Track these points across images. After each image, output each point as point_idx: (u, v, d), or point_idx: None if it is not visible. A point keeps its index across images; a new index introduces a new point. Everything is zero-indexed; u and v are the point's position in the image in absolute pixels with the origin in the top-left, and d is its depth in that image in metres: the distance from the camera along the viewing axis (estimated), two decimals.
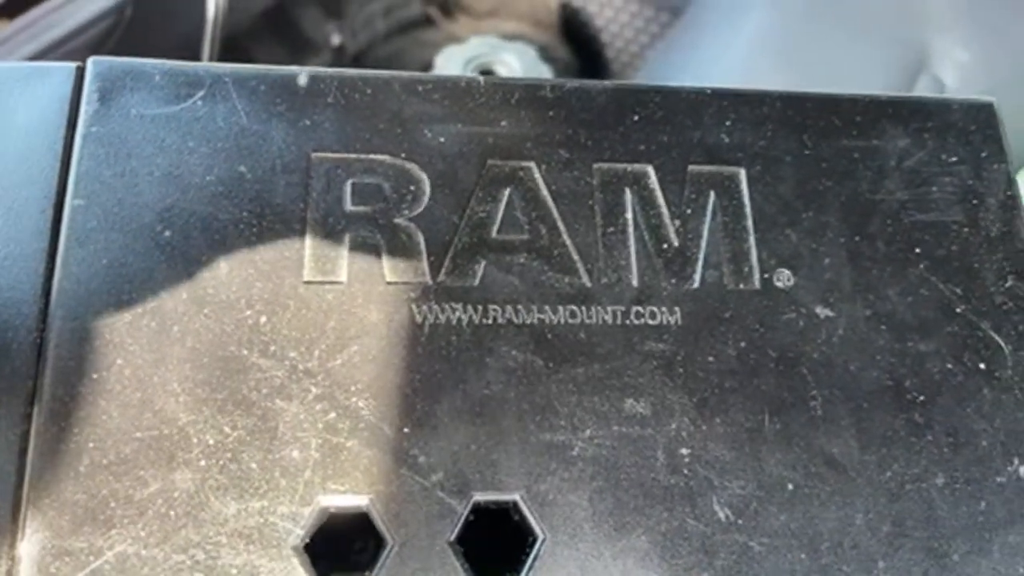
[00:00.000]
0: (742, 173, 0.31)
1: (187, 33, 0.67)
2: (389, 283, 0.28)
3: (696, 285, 0.30)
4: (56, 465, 0.25)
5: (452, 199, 0.30)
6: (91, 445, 0.25)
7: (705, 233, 0.30)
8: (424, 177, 0.30)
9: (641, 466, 0.27)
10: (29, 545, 0.24)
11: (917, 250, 0.31)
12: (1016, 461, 0.29)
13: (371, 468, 0.26)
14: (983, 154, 0.33)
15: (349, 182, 0.29)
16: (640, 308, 0.29)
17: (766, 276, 0.30)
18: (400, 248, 0.29)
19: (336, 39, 0.87)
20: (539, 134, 0.31)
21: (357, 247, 0.29)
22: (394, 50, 0.93)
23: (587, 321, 0.29)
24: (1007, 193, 0.32)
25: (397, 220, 0.29)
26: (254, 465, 0.26)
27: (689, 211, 0.31)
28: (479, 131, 0.31)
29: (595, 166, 0.31)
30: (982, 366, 0.30)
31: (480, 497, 0.26)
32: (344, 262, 0.28)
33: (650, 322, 0.29)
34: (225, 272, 0.28)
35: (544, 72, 0.88)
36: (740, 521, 0.27)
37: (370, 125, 0.30)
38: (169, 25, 0.67)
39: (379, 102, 0.31)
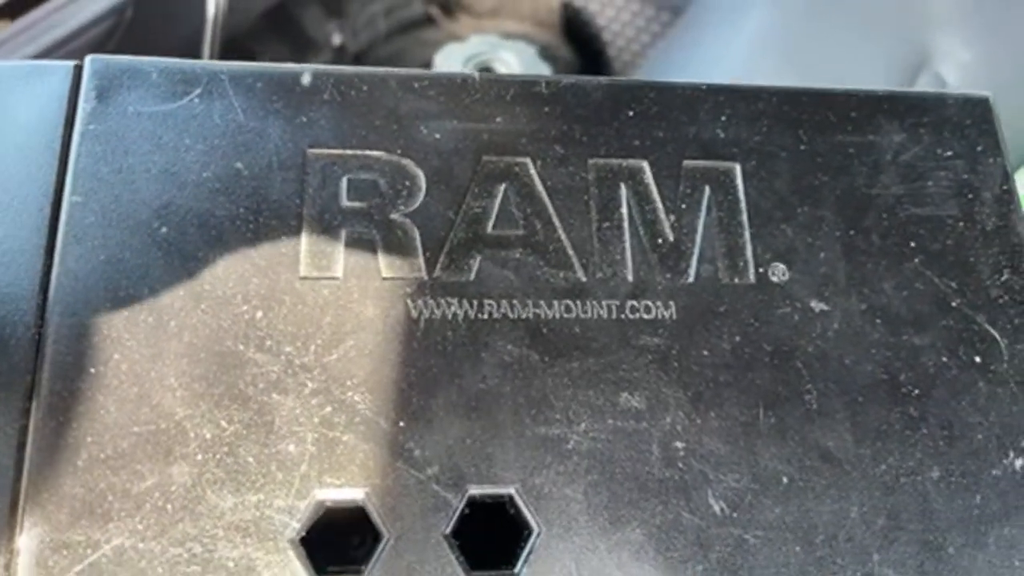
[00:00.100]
0: (737, 168, 0.31)
1: (187, 34, 0.67)
2: (385, 278, 0.29)
3: (691, 280, 0.30)
4: (54, 459, 0.25)
5: (448, 195, 0.30)
6: (89, 439, 0.26)
7: (700, 228, 0.31)
8: (420, 173, 0.30)
9: (636, 459, 0.27)
10: (27, 538, 0.25)
11: (912, 244, 0.31)
12: (1011, 454, 0.29)
13: (367, 462, 0.26)
14: (979, 148, 0.33)
15: (345, 178, 0.30)
16: (635, 302, 0.29)
17: (761, 271, 0.30)
18: (396, 244, 0.29)
19: (337, 39, 0.87)
20: (534, 130, 0.31)
21: (353, 243, 0.29)
22: (395, 50, 0.93)
23: (582, 315, 0.29)
24: (1003, 187, 0.32)
25: (393, 216, 0.29)
26: (251, 459, 0.26)
27: (684, 206, 0.31)
28: (474, 127, 0.31)
29: (590, 161, 0.31)
30: (977, 360, 0.30)
31: (475, 490, 0.26)
32: (340, 258, 0.29)
33: (645, 316, 0.29)
34: (222, 268, 0.28)
35: (543, 70, 0.88)
36: (735, 514, 0.27)
37: (366, 122, 0.30)
38: (169, 26, 0.67)
39: (375, 99, 0.31)
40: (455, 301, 0.29)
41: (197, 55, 0.68)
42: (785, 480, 0.28)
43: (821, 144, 0.32)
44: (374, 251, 0.29)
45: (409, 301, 0.28)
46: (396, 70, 0.31)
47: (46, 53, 0.56)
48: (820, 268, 0.30)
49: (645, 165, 0.31)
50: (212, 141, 0.29)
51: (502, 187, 0.30)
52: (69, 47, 0.57)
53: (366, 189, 0.30)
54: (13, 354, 0.26)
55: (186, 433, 0.26)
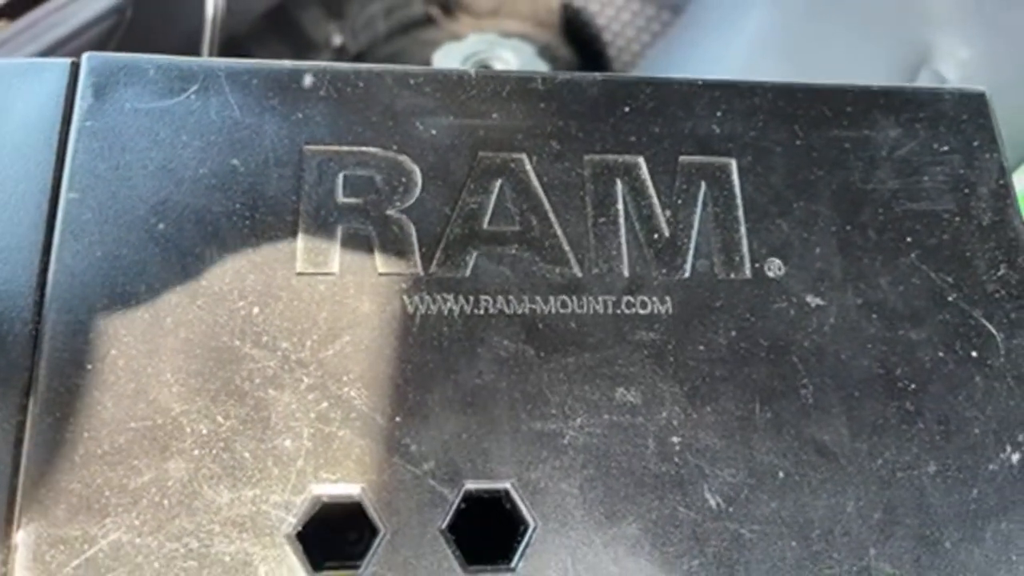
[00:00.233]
0: (733, 163, 0.31)
1: (187, 35, 0.67)
2: (381, 274, 0.29)
3: (687, 275, 0.30)
4: (51, 455, 0.25)
5: (444, 191, 0.30)
6: (86, 435, 0.26)
7: (696, 223, 0.31)
8: (416, 169, 0.30)
9: (632, 454, 0.27)
10: (25, 534, 0.25)
11: (908, 239, 0.31)
12: (1008, 449, 0.29)
13: (363, 457, 0.26)
14: (975, 143, 0.33)
15: (341, 174, 0.30)
16: (631, 298, 0.29)
17: (757, 266, 0.30)
18: (392, 239, 0.29)
19: (337, 39, 0.87)
20: (530, 126, 0.31)
21: (349, 239, 0.29)
22: (395, 50, 0.93)
23: (578, 311, 0.29)
24: (999, 182, 0.32)
25: (389, 212, 0.29)
26: (247, 454, 0.26)
27: (680, 201, 0.31)
28: (470, 123, 0.31)
29: (586, 157, 0.31)
30: (974, 354, 0.30)
31: (472, 485, 0.27)
32: (336, 254, 0.29)
33: (641, 312, 0.29)
34: (218, 264, 0.28)
35: (541, 68, 0.89)
36: (731, 509, 0.27)
37: (362, 118, 0.30)
38: (169, 27, 0.67)
39: (371, 95, 0.31)
40: (451, 297, 0.29)
41: (196, 55, 0.68)
42: (781, 474, 0.28)
43: (817, 139, 0.32)
44: (370, 247, 0.29)
45: (405, 297, 0.28)
46: (392, 66, 0.31)
47: (46, 53, 0.57)
48: (816, 263, 0.30)
49: (641, 161, 0.31)
50: (209, 137, 0.29)
51: (498, 183, 0.30)
52: (69, 47, 0.57)
53: (362, 185, 0.30)
54: (10, 350, 0.26)
55: (182, 429, 0.26)
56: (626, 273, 0.30)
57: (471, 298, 0.29)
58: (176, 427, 0.26)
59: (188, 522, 0.25)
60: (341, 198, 0.29)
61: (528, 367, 0.28)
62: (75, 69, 0.30)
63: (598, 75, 0.32)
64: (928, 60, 0.72)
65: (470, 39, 0.89)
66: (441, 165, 0.30)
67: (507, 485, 0.27)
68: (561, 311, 0.29)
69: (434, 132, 0.31)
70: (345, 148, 0.30)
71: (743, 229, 0.31)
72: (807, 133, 0.32)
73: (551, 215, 0.30)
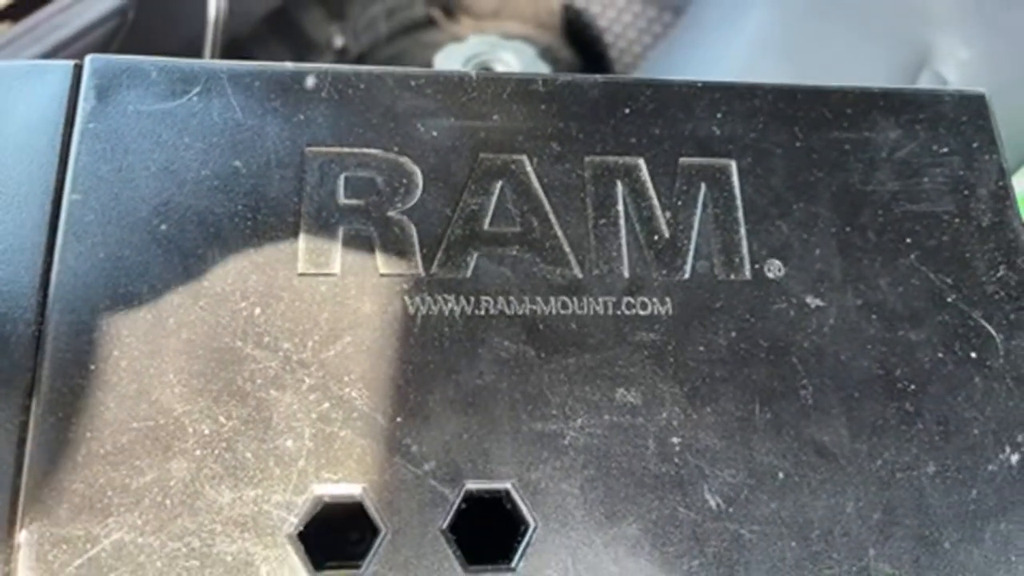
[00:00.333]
0: (733, 165, 0.32)
1: (189, 37, 0.67)
2: (382, 275, 0.29)
3: (687, 276, 0.30)
4: (54, 455, 0.26)
5: (445, 192, 0.30)
6: (88, 435, 0.26)
7: (696, 224, 0.31)
8: (417, 171, 0.30)
9: (632, 455, 0.27)
10: (28, 533, 0.25)
11: (908, 240, 0.31)
12: (1007, 449, 0.29)
13: (364, 457, 0.27)
14: (975, 145, 0.33)
15: (342, 176, 0.30)
16: (631, 299, 0.29)
17: (757, 267, 0.30)
18: (393, 241, 0.29)
19: (339, 41, 0.87)
20: (531, 128, 0.31)
21: (350, 240, 0.29)
22: (397, 51, 0.93)
23: (579, 312, 0.29)
24: (998, 183, 0.32)
25: (390, 213, 0.30)
26: (249, 454, 0.26)
27: (680, 203, 0.31)
28: (471, 125, 0.31)
29: (586, 159, 0.31)
30: (973, 355, 0.30)
31: (472, 485, 0.27)
32: (337, 255, 0.29)
33: (641, 313, 0.29)
34: (220, 265, 0.28)
35: (543, 70, 0.89)
36: (731, 509, 0.27)
37: (363, 120, 0.31)
38: (171, 29, 0.67)
39: (372, 97, 0.31)
40: (452, 298, 0.29)
41: (198, 57, 0.68)
42: (781, 475, 0.28)
43: (817, 141, 0.32)
44: (371, 248, 0.29)
45: (406, 298, 0.29)
46: (393, 68, 0.32)
47: (49, 55, 0.57)
48: (816, 264, 0.30)
49: (641, 162, 0.31)
50: (211, 139, 0.30)
51: (499, 184, 0.30)
52: (71, 49, 0.57)
53: (363, 187, 0.30)
54: (13, 351, 0.27)
55: (185, 429, 0.26)
56: (626, 274, 0.30)
57: (472, 299, 0.29)
58: (178, 427, 0.26)
59: (190, 522, 0.25)
60: (342, 199, 0.29)
61: (529, 368, 0.28)
62: (78, 71, 0.30)
63: (598, 77, 0.32)
64: (928, 61, 0.72)
65: (471, 41, 0.89)
66: (442, 166, 0.30)
67: (507, 485, 0.27)
68: (561, 312, 0.29)
69: (435, 134, 0.31)
70: (346, 150, 0.30)
71: (743, 230, 0.31)
72: (807, 135, 0.32)
73: (552, 216, 0.30)
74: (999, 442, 0.29)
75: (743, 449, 0.28)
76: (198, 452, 0.26)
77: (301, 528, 0.26)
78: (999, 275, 0.31)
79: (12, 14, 0.58)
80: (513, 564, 0.26)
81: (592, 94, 0.32)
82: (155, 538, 0.25)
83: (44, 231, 0.28)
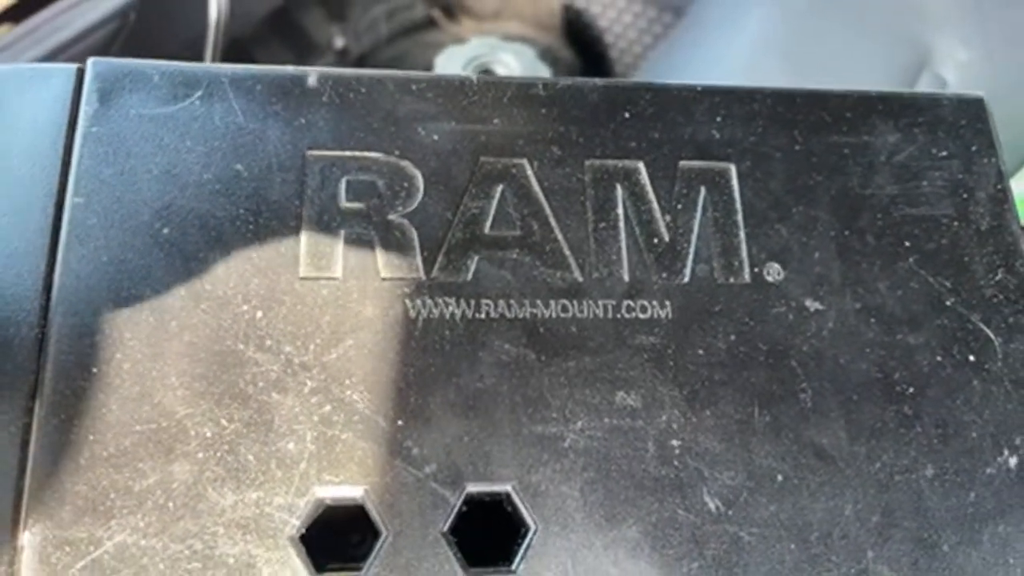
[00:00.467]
0: (732, 169, 0.32)
1: (190, 38, 0.67)
2: (383, 279, 0.29)
3: (686, 279, 0.30)
4: (57, 457, 0.26)
5: (445, 196, 0.30)
6: (91, 438, 0.26)
7: (695, 228, 0.31)
8: (418, 174, 0.30)
9: (632, 458, 0.28)
10: (31, 535, 0.25)
11: (907, 244, 0.31)
12: (1006, 452, 0.29)
13: (366, 460, 0.27)
14: (973, 148, 0.33)
15: (344, 179, 0.30)
16: (631, 302, 0.30)
17: (756, 270, 0.30)
18: (394, 244, 0.29)
19: (340, 42, 0.88)
20: (531, 131, 0.31)
21: (352, 243, 0.29)
22: (397, 52, 0.93)
23: (579, 315, 0.29)
24: (997, 187, 0.33)
25: (391, 217, 0.30)
26: (251, 457, 0.26)
27: (680, 206, 0.31)
28: (472, 129, 0.31)
29: (587, 162, 0.31)
30: (972, 358, 0.30)
31: (473, 488, 0.27)
32: (339, 258, 0.29)
33: (641, 316, 0.29)
34: (222, 268, 0.28)
35: (543, 72, 0.89)
36: (730, 512, 0.27)
37: (364, 123, 0.31)
38: (172, 30, 0.67)
39: (373, 101, 0.31)
40: (453, 301, 0.29)
41: (200, 59, 0.68)
42: (780, 478, 0.28)
43: (816, 144, 0.32)
44: (373, 251, 0.29)
45: (407, 301, 0.29)
46: (394, 72, 0.32)
47: (50, 56, 0.57)
48: (815, 268, 0.31)
49: (641, 166, 0.31)
50: (212, 143, 0.30)
51: (499, 188, 0.30)
52: (73, 50, 0.57)
53: (365, 190, 0.30)
54: (16, 354, 0.27)
55: (187, 431, 0.26)
56: (626, 277, 0.30)
57: (472, 302, 0.29)
58: (181, 430, 0.26)
59: (193, 524, 0.26)
60: (344, 203, 0.30)
61: (529, 371, 0.28)
62: (80, 75, 0.30)
63: (598, 81, 0.32)
64: (928, 62, 0.72)
65: (472, 43, 0.89)
66: (443, 170, 0.30)
67: (508, 488, 0.27)
68: (562, 315, 0.29)
69: (436, 137, 0.31)
70: (348, 153, 0.30)
71: (742, 234, 0.31)
72: (806, 138, 0.32)
73: (552, 220, 0.30)
74: (997, 445, 0.29)
75: (742, 452, 0.28)
76: (200, 455, 0.26)
77: (303, 530, 0.26)
78: (997, 278, 0.31)
79: (13, 15, 0.58)
80: (513, 566, 0.26)
81: (592, 98, 0.32)
82: (157, 540, 0.25)
83: (47, 234, 0.28)
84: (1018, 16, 0.73)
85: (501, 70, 0.87)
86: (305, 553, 0.26)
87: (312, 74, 0.31)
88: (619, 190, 0.31)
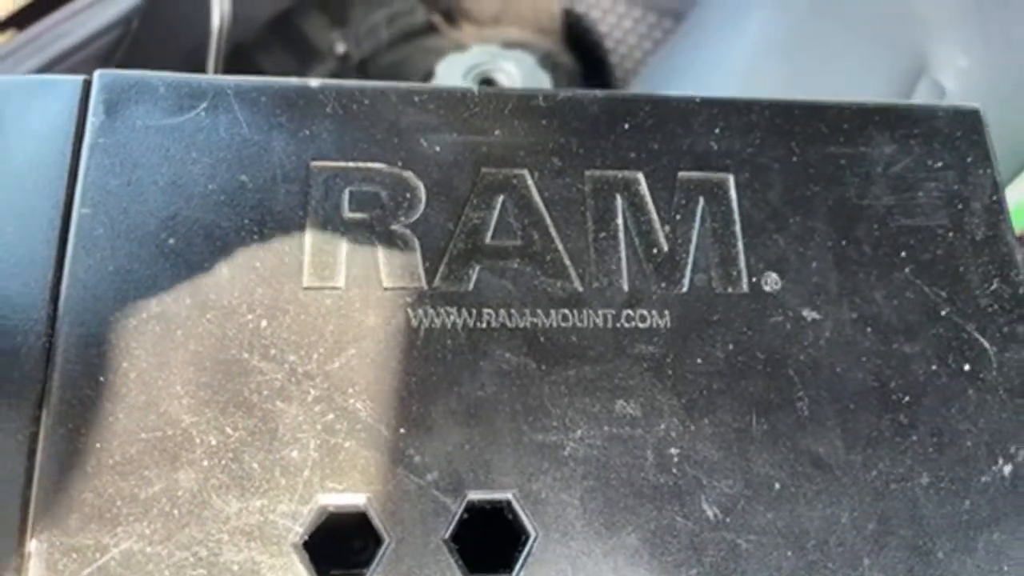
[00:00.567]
0: (731, 179, 0.32)
1: (193, 44, 0.68)
2: (386, 288, 0.29)
3: (685, 289, 0.30)
4: (64, 465, 0.26)
5: (447, 206, 0.31)
6: (97, 446, 0.26)
7: (694, 238, 0.31)
8: (420, 185, 0.31)
9: (631, 466, 0.28)
10: (38, 543, 0.25)
11: (903, 254, 0.32)
12: (1000, 461, 0.29)
13: (368, 468, 0.27)
14: (969, 160, 0.33)
15: (347, 190, 0.30)
16: (630, 312, 0.30)
17: (754, 280, 0.31)
18: (397, 254, 0.30)
19: (341, 47, 0.88)
20: (532, 143, 0.32)
21: (355, 253, 0.30)
22: (398, 58, 0.94)
23: (579, 324, 0.30)
24: (992, 198, 0.33)
25: (394, 227, 0.30)
26: (255, 465, 0.27)
27: (679, 217, 0.31)
28: (473, 140, 0.31)
29: (587, 173, 0.32)
30: (967, 367, 0.30)
31: (474, 496, 0.27)
32: (342, 268, 0.29)
33: (640, 325, 0.30)
34: (227, 278, 0.29)
35: (543, 79, 0.89)
36: (728, 519, 0.28)
37: (368, 135, 0.31)
38: (175, 36, 0.68)
39: (376, 112, 0.31)
40: (454, 310, 0.29)
41: (202, 65, 0.68)
42: (777, 486, 0.28)
43: (813, 155, 0.33)
44: (375, 261, 0.30)
45: (409, 310, 0.29)
46: (397, 84, 0.32)
47: (53, 63, 0.57)
48: (812, 277, 0.31)
49: (640, 177, 0.32)
50: (218, 154, 0.30)
51: (500, 199, 0.31)
52: (76, 58, 0.58)
53: (368, 200, 0.30)
54: (24, 363, 0.27)
55: (192, 440, 0.27)
56: (626, 287, 0.30)
57: (474, 312, 0.29)
58: (186, 438, 0.27)
59: (197, 531, 0.26)
60: (347, 213, 0.30)
61: (529, 380, 0.29)
62: (87, 86, 0.31)
63: (598, 92, 0.33)
64: (927, 68, 0.73)
65: (473, 51, 0.89)
66: (445, 181, 0.31)
67: (509, 496, 0.27)
68: (562, 325, 0.29)
69: (438, 148, 0.31)
70: (351, 164, 0.31)
71: (740, 244, 0.31)
72: (803, 149, 0.33)
73: (552, 230, 0.31)
74: (992, 453, 0.29)
75: (740, 460, 0.28)
76: (205, 462, 0.27)
77: (306, 537, 0.26)
78: (992, 288, 0.32)
79: (18, 22, 0.59)
80: (514, 573, 0.27)
81: (592, 109, 0.32)
82: (163, 547, 0.26)
83: (54, 244, 0.28)
84: (1017, 24, 0.73)
85: (502, 78, 0.87)
86: (308, 560, 0.26)
87: (314, 80, 0.31)
88: (619, 200, 0.31)
